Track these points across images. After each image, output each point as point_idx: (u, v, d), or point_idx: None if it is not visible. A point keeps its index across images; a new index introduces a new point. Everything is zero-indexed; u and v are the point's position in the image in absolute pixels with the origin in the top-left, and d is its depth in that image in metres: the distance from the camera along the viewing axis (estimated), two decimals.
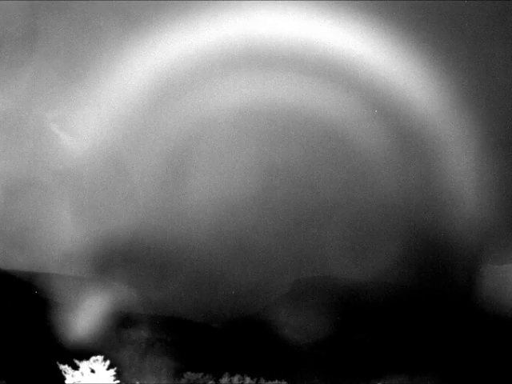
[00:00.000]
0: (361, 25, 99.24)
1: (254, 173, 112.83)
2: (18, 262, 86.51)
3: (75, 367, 37.62)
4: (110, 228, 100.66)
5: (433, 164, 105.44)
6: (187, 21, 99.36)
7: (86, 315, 67.14)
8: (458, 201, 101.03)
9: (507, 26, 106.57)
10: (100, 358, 37.98)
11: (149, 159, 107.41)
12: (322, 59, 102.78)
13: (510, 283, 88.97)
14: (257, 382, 50.60)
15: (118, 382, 38.67)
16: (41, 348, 56.90)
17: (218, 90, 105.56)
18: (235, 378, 49.68)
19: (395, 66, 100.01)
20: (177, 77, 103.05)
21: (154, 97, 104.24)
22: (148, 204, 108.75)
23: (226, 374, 50.16)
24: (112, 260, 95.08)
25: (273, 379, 51.51)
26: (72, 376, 37.39)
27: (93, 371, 37.71)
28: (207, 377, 50.20)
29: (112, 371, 38.15)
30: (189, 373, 50.79)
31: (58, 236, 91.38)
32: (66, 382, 37.42)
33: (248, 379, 50.12)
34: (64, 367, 37.38)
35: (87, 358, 37.98)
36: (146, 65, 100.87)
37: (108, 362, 37.99)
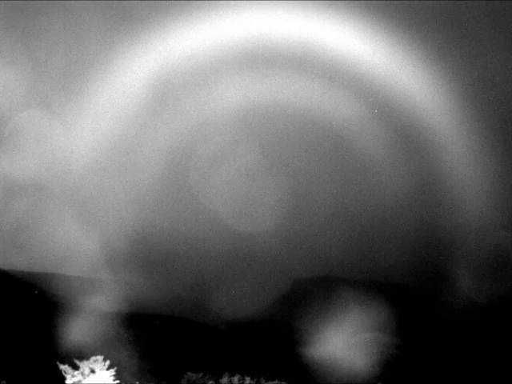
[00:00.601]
0: (361, 25, 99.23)
1: (254, 173, 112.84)
2: (18, 262, 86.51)
3: (75, 367, 37.65)
4: (111, 228, 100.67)
5: (433, 164, 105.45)
6: (187, 21, 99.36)
7: (86, 315, 67.13)
8: (458, 200, 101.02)
9: (507, 26, 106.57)
10: (100, 358, 38.01)
11: (150, 159, 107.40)
12: (323, 59, 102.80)
13: (509, 283, 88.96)
14: (257, 382, 50.59)
15: (117, 382, 38.71)
16: (41, 348, 56.90)
17: (218, 90, 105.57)
18: (235, 378, 49.67)
19: (395, 66, 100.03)
20: (177, 77, 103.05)
21: (155, 97, 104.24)
22: (149, 204, 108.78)
23: (226, 373, 50.15)
24: (112, 260, 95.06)
25: (273, 379, 51.50)
26: (72, 376, 37.42)
27: (93, 371, 37.74)
28: (207, 377, 50.19)
29: (112, 371, 38.18)
30: (189, 373, 50.79)
31: (59, 235, 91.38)
32: (67, 382, 37.44)
33: (248, 379, 50.11)
34: (64, 367, 37.41)
35: (87, 358, 38.01)
36: (146, 65, 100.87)
37: (108, 362, 38.03)
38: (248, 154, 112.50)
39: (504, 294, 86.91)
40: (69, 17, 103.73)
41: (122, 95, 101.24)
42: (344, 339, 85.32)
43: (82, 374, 37.58)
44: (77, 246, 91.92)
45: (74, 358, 38.42)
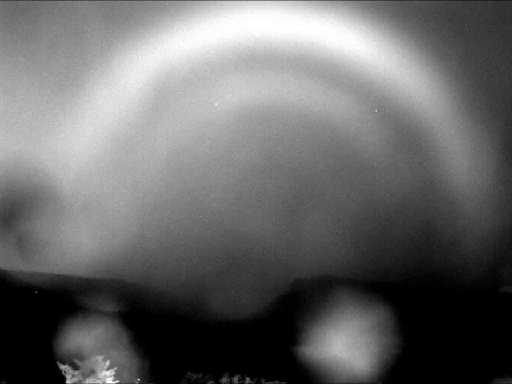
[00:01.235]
0: (361, 25, 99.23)
1: (254, 173, 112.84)
2: (18, 262, 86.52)
3: (75, 367, 37.64)
4: (111, 227, 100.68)
5: (433, 164, 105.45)
6: (187, 21, 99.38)
7: (86, 315, 67.14)
8: (459, 200, 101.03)
9: (507, 25, 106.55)
10: (100, 357, 38.00)
11: (150, 159, 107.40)
12: (322, 59, 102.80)
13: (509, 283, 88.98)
14: (257, 382, 50.59)
15: (117, 381, 38.72)
16: (41, 348, 56.91)
17: (219, 90, 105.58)
18: (235, 378, 49.67)
19: (395, 66, 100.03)
20: (177, 77, 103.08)
21: (155, 97, 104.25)
22: (149, 203, 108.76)
23: (226, 373, 50.14)
24: (112, 259, 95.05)
25: (273, 379, 51.51)
26: (72, 376, 37.41)
27: (93, 371, 37.73)
28: (207, 377, 50.18)
29: (112, 371, 38.18)
30: (189, 373, 50.78)
31: (59, 235, 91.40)
32: (67, 382, 37.45)
33: (248, 379, 50.11)
34: (64, 367, 37.38)
35: (87, 358, 38.01)
36: (146, 65, 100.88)
37: (108, 362, 38.02)
38: (248, 154, 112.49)
39: (504, 294, 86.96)
40: (68, 17, 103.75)
41: (121, 95, 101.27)
42: (344, 339, 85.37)
43: (82, 374, 37.57)
44: (77, 245, 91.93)
45: (74, 358, 38.40)
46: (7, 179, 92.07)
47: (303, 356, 74.37)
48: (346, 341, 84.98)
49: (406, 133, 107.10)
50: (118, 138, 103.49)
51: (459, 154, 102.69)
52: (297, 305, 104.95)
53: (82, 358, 37.34)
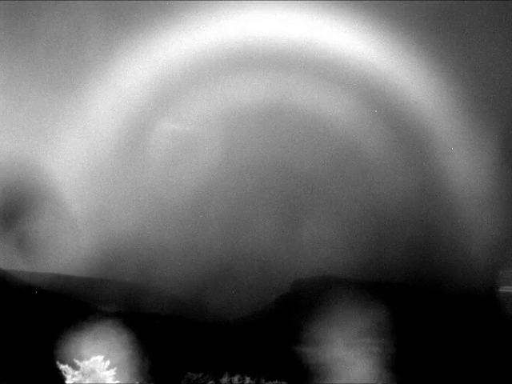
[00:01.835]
0: (361, 25, 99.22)
1: (254, 173, 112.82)
2: (18, 262, 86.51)
3: (75, 367, 37.62)
4: (111, 227, 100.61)
5: (433, 164, 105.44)
6: (187, 21, 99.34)
7: (86, 315, 67.15)
8: (459, 200, 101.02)
9: (507, 26, 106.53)
10: (100, 358, 37.98)
11: (151, 159, 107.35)
12: (322, 59, 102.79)
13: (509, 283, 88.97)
14: (257, 382, 50.59)
15: (117, 382, 38.70)
16: (41, 348, 56.92)
17: (220, 90, 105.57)
18: (235, 378, 49.67)
19: (396, 66, 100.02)
20: (178, 77, 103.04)
21: (155, 97, 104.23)
22: (149, 203, 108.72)
23: (226, 373, 50.14)
24: (112, 259, 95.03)
25: (273, 379, 51.51)
26: (72, 376, 37.39)
27: (93, 371, 37.70)
28: (207, 377, 50.17)
29: (112, 371, 38.16)
30: (189, 373, 50.78)
31: (59, 235, 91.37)
32: (67, 382, 37.42)
33: (248, 379, 50.11)
34: (64, 367, 37.37)
35: (87, 358, 37.99)
36: (146, 66, 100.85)
37: (108, 362, 38.00)
38: (248, 154, 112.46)
39: (504, 294, 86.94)
40: (68, 17, 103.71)
41: (122, 96, 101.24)
42: (344, 339, 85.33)
43: (82, 374, 37.54)
44: (77, 246, 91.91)
45: (74, 358, 38.40)
46: (7, 180, 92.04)
47: (303, 356, 74.37)
48: (346, 340, 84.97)
49: (406, 133, 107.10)
50: (118, 138, 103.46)
51: (459, 154, 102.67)
52: (297, 305, 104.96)
53: (81, 358, 37.32)
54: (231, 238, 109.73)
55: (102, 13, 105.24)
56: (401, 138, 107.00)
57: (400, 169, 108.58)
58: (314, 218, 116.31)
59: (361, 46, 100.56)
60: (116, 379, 38.46)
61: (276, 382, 50.91)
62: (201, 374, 50.16)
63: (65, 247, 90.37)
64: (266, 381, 50.60)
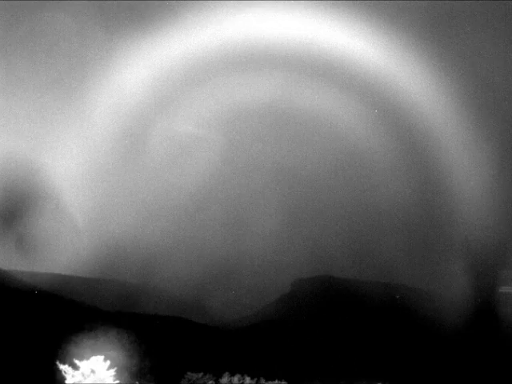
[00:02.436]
0: (361, 25, 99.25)
1: (255, 173, 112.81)
2: (18, 262, 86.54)
3: (75, 367, 37.59)
4: (112, 228, 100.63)
5: (433, 164, 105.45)
6: (187, 21, 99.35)
7: (86, 315, 67.14)
8: (458, 201, 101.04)
9: (507, 26, 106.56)
10: (100, 358, 37.96)
11: (151, 160, 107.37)
12: (322, 59, 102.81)
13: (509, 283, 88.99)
14: (257, 382, 50.57)
15: (117, 381, 38.67)
16: (41, 348, 56.89)
17: (220, 90, 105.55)
18: (235, 378, 49.64)
19: (395, 66, 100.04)
20: (178, 77, 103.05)
21: (155, 98, 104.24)
22: (149, 204, 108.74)
23: (226, 373, 50.11)
24: (112, 260, 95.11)
25: (273, 379, 51.49)
26: (72, 376, 37.36)
27: (93, 371, 37.68)
28: (207, 377, 50.14)
29: (112, 371, 38.13)
30: (189, 373, 50.74)
31: (59, 236, 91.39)
32: (67, 382, 37.40)
33: (248, 379, 50.08)
34: (64, 367, 37.34)
35: (87, 358, 37.96)
36: (147, 66, 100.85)
37: (108, 362, 37.98)
38: (248, 154, 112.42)
39: (504, 294, 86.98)
40: (69, 17, 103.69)
41: (122, 97, 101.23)
42: (344, 339, 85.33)
43: (82, 374, 37.52)
44: (77, 246, 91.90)
45: (74, 358, 38.38)
46: (8, 180, 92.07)
47: (303, 356, 74.37)
48: (346, 340, 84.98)
49: (406, 132, 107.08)
50: (118, 139, 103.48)
51: (459, 154, 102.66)
52: (297, 305, 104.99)
53: (82, 358, 37.29)
54: (231, 238, 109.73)
55: (103, 13, 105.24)
56: (401, 138, 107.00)
57: (400, 169, 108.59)
58: (314, 219, 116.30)
59: (362, 46, 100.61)
60: (116, 379, 38.44)
61: (276, 381, 50.89)
62: (201, 374, 50.12)
63: (65, 247, 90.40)
64: (266, 381, 50.57)
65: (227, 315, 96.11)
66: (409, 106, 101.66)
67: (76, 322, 62.58)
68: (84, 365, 37.57)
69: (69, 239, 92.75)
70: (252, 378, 50.43)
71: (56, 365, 37.73)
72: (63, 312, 66.67)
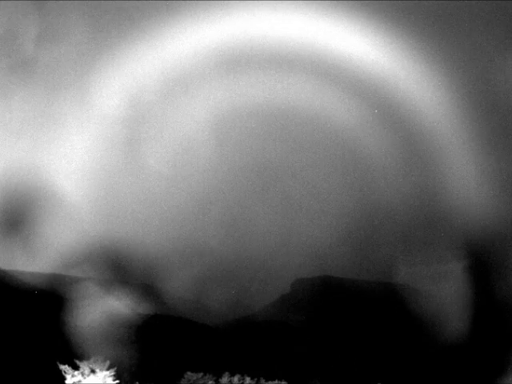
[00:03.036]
0: (361, 25, 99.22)
1: (255, 173, 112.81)
2: (18, 262, 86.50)
3: (75, 367, 37.63)
4: (112, 228, 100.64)
5: (434, 164, 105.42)
6: (187, 21, 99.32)
7: (85, 315, 67.13)
8: (459, 201, 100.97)
9: (507, 26, 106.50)
10: (100, 358, 37.99)
11: (153, 160, 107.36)
12: (322, 59, 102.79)
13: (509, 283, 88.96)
14: (257, 382, 50.57)
15: (117, 381, 38.71)
16: (41, 348, 56.89)
17: (219, 90, 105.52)
18: (235, 378, 49.65)
19: (396, 66, 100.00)
20: (179, 77, 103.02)
21: (155, 97, 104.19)
22: (149, 204, 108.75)
23: (226, 373, 50.11)
24: (112, 260, 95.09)
25: (273, 379, 51.49)
26: (72, 376, 37.40)
27: (93, 371, 37.72)
28: (207, 377, 50.14)
29: (112, 371, 38.17)
30: (189, 373, 50.74)
31: (59, 236, 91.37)
32: (66, 382, 37.43)
33: (248, 379, 50.08)
34: (64, 367, 37.37)
35: (87, 358, 38.00)
36: (147, 67, 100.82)
37: (108, 362, 38.01)
38: (248, 155, 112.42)
39: (504, 294, 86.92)
40: (71, 17, 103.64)
41: (124, 98, 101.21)
42: (344, 339, 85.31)
43: (82, 374, 37.56)
44: (77, 246, 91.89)
45: (74, 358, 38.41)
46: (9, 180, 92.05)
47: (303, 356, 74.38)
48: (346, 340, 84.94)
49: (405, 132, 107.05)
50: (118, 139, 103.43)
51: (459, 154, 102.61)
52: (297, 305, 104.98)
53: (81, 358, 37.31)
54: (231, 238, 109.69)
55: (103, 13, 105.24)
56: (401, 138, 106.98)
57: (401, 169, 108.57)
58: (314, 219, 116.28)
59: (361, 46, 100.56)
60: (116, 379, 38.48)
61: (276, 381, 50.89)
62: (201, 374, 50.11)
63: (65, 247, 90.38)
64: (266, 381, 50.57)
65: (227, 315, 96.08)
66: (409, 105, 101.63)
67: (76, 322, 62.59)
68: (84, 365, 37.62)
69: (70, 239, 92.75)
70: (252, 378, 50.43)
71: (56, 365, 37.76)
72: (63, 312, 66.66)
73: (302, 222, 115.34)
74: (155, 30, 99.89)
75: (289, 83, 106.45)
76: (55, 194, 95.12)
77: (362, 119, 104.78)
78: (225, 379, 49.46)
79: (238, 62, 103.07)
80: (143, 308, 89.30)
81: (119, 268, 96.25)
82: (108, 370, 37.24)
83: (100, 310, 74.87)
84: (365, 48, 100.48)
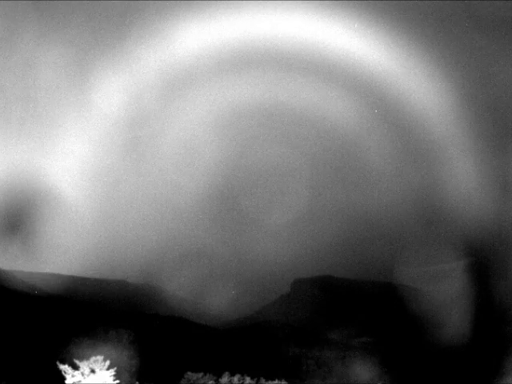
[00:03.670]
0: (361, 25, 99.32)
1: (254, 173, 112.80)
2: (18, 262, 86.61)
3: (75, 367, 37.61)
4: (112, 228, 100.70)
5: (432, 163, 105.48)
6: (188, 21, 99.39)
7: (86, 315, 67.18)
8: (459, 201, 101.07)
9: (507, 25, 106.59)
10: (100, 358, 37.98)
11: (154, 161, 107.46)
12: (322, 59, 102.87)
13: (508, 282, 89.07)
14: (257, 381, 50.58)
15: (117, 381, 38.70)
16: (41, 348, 56.94)
17: (222, 92, 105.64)
18: (235, 378, 49.64)
19: (395, 66, 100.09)
20: (179, 77, 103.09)
21: (156, 99, 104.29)
22: (149, 204, 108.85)
23: (226, 373, 50.12)
24: (113, 260, 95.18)
25: (273, 379, 51.51)
26: (72, 376, 37.38)
27: (93, 371, 37.71)
28: (207, 377, 50.14)
29: (112, 371, 38.16)
30: (189, 373, 50.74)
31: (59, 236, 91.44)
32: (66, 382, 37.41)
33: (248, 379, 50.09)
34: (64, 367, 37.35)
35: (87, 358, 37.99)
36: (148, 68, 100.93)
37: (108, 362, 38.00)
38: (248, 156, 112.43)
39: (504, 293, 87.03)
40: (70, 17, 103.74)
41: (124, 98, 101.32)
42: (344, 339, 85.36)
43: (82, 374, 37.54)
44: (77, 246, 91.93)
45: (74, 358, 38.41)
46: (10, 180, 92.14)
47: (303, 356, 74.42)
48: (346, 340, 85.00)
49: (405, 132, 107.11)
50: (119, 140, 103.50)
51: (459, 155, 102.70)
52: (297, 305, 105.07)
53: (82, 358, 37.28)
54: (231, 239, 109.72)
55: (104, 13, 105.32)
56: (401, 138, 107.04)
57: (401, 170, 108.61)
58: (314, 219, 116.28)
59: (362, 46, 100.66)
60: (116, 379, 38.47)
61: (276, 381, 50.91)
62: (201, 374, 50.09)
63: (65, 247, 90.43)
64: (266, 381, 50.59)
65: (227, 315, 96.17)
66: (409, 106, 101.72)
67: (76, 322, 62.63)
68: (84, 365, 37.61)
69: (70, 239, 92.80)
70: (252, 378, 50.45)
71: (56, 365, 37.76)
72: (63, 312, 66.71)
73: (302, 223, 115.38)
74: (155, 30, 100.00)
75: (289, 83, 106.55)
76: (55, 194, 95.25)
77: (361, 119, 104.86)
78: (225, 379, 49.46)
79: (239, 62, 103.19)
80: (143, 307, 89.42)
81: (120, 268, 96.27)
82: (108, 370, 37.20)
83: (100, 309, 74.92)
84: (365, 48, 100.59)
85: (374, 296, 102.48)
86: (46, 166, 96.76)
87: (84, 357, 38.41)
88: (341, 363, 72.68)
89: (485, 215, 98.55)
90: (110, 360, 38.51)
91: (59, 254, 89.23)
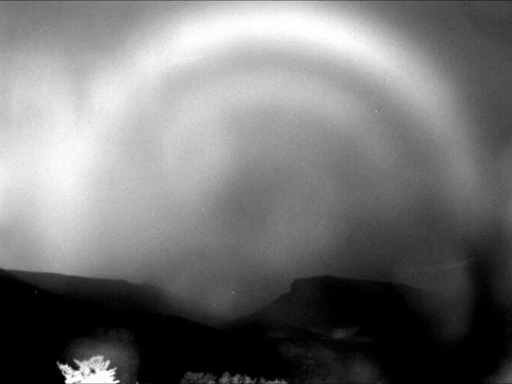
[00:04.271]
0: (361, 25, 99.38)
1: (254, 173, 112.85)
2: (18, 262, 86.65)
3: (75, 367, 37.60)
4: (112, 229, 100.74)
5: (432, 163, 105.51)
6: (188, 21, 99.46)
7: (85, 315, 67.20)
8: (458, 201, 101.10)
9: (507, 25, 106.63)
10: (100, 358, 37.96)
11: (151, 161, 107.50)
12: (322, 59, 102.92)
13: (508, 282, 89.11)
14: (257, 381, 50.56)
15: (117, 381, 38.69)
16: (41, 348, 56.93)
17: (219, 90, 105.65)
18: (235, 378, 49.62)
19: (396, 66, 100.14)
20: (180, 76, 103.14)
21: (157, 99, 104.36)
22: (149, 204, 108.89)
23: (226, 373, 50.09)
24: (113, 260, 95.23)
25: (273, 379, 51.48)
26: (72, 376, 37.36)
27: (93, 371, 37.69)
28: (207, 377, 50.11)
29: (112, 371, 38.14)
30: (189, 373, 50.71)
31: (59, 236, 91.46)
32: (66, 382, 37.40)
33: (248, 379, 50.06)
34: (64, 367, 37.33)
35: (87, 358, 37.98)
36: (148, 69, 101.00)
37: (108, 362, 37.99)
38: (249, 156, 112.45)
39: (504, 293, 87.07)
40: (73, 17, 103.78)
41: (125, 98, 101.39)
42: (343, 339, 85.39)
43: (82, 374, 37.52)
44: (77, 246, 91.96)
45: (74, 358, 38.40)
46: (10, 181, 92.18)
47: (303, 356, 74.43)
48: (346, 340, 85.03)
49: (405, 132, 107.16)
50: (119, 141, 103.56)
51: (460, 155, 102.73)
52: (297, 305, 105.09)
53: (81, 358, 37.29)
54: (231, 239, 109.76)
55: (104, 13, 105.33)
56: (401, 138, 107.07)
57: (401, 169, 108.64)
58: (314, 219, 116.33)
59: (362, 46, 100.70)
60: (116, 379, 38.45)
61: (276, 381, 50.89)
62: (201, 374, 50.07)
63: (65, 247, 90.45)
64: (266, 381, 50.57)
65: (227, 315, 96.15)
66: (409, 106, 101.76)
67: (76, 322, 62.63)
68: (84, 365, 37.59)
69: (70, 239, 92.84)
70: (252, 378, 50.42)
71: (56, 365, 37.73)
72: (63, 312, 66.70)
73: (302, 223, 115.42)
74: (156, 31, 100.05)
75: (289, 83, 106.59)
76: (55, 194, 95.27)
77: (362, 119, 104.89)
78: (225, 379, 49.43)
79: (239, 62, 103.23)
80: (143, 308, 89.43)
81: (120, 268, 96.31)
82: (108, 370, 37.18)
83: (100, 309, 74.93)
84: (366, 49, 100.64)
85: (374, 296, 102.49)
86: (46, 167, 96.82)
87: (84, 357, 38.39)
88: (341, 363, 72.64)
89: (485, 215, 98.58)
90: (110, 360, 38.49)
91: (59, 254, 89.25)
